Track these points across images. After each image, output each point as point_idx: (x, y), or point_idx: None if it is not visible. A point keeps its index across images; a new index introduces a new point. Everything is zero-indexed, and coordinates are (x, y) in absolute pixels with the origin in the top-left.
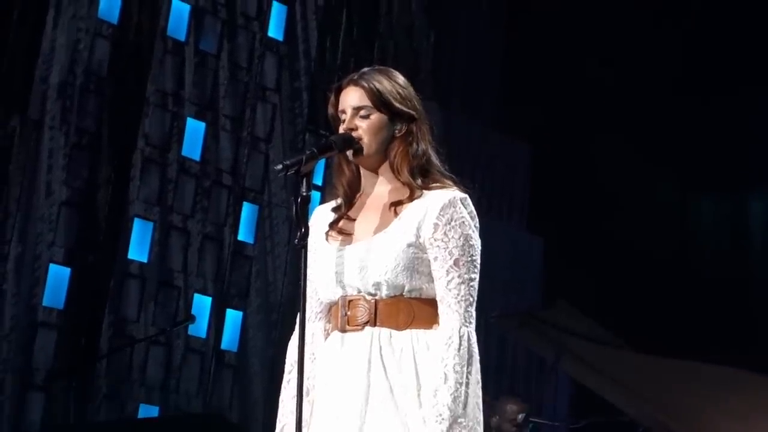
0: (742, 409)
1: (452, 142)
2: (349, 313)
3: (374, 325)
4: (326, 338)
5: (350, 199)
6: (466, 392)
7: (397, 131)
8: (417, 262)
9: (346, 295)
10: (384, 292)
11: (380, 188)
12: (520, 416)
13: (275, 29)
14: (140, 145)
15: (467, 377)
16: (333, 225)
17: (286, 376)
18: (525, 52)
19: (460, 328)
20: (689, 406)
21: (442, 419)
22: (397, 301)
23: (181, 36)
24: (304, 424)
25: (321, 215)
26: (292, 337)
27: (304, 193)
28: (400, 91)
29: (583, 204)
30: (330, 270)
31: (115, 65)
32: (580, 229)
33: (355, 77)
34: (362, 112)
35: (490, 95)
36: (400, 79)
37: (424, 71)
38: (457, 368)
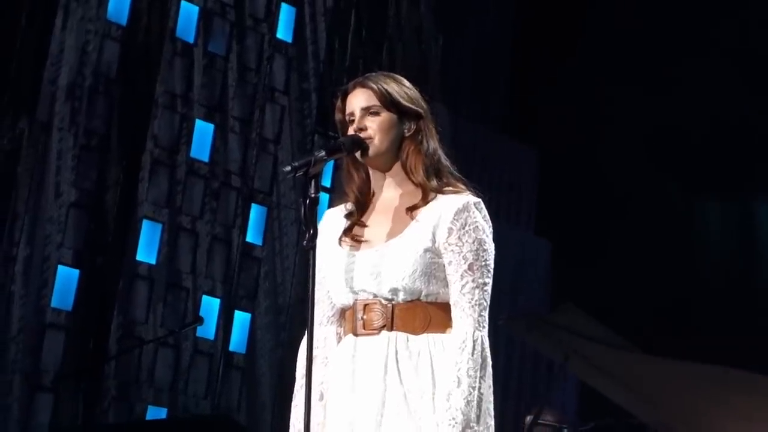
0: (750, 411)
1: (460, 144)
2: (364, 317)
3: (390, 329)
4: (339, 342)
5: (362, 205)
6: (479, 396)
7: (406, 130)
8: (434, 267)
9: (362, 300)
10: (401, 297)
11: (392, 191)
12: (528, 418)
13: (284, 31)
14: (149, 146)
15: (480, 381)
16: (347, 230)
17: (299, 381)
18: (532, 55)
19: (474, 332)
20: (696, 407)
21: (455, 423)
22: (413, 306)
23: (190, 38)
24: (318, 428)
25: (332, 219)
26: (303, 340)
27: (313, 195)
28: (407, 91)
29: (591, 207)
30: (345, 275)
31: (123, 67)
32: (588, 232)
33: (361, 80)
34: (371, 112)
35: (497, 98)
36: (406, 82)
37: (432, 73)
38: (471, 372)
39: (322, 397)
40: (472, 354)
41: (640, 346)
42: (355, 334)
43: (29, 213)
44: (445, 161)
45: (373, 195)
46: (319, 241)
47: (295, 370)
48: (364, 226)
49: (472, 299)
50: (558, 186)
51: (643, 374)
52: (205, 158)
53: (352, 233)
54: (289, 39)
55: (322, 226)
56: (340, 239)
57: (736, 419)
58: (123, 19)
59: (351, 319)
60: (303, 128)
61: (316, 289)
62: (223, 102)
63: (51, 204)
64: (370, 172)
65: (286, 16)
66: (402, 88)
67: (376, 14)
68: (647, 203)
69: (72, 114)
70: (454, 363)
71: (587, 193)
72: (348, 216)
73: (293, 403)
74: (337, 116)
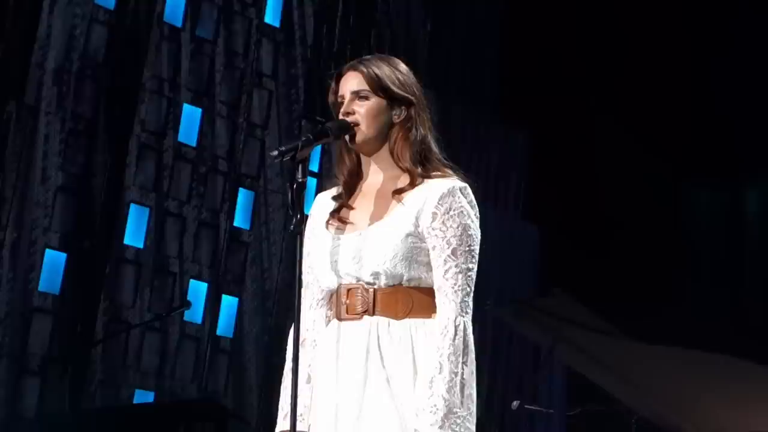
0: (738, 398)
1: (448, 129)
2: (347, 301)
3: (372, 314)
4: (328, 325)
5: (351, 188)
6: (462, 382)
7: (395, 117)
8: (416, 251)
9: (345, 284)
10: (383, 282)
11: (380, 176)
12: (515, 403)
13: (272, 16)
14: (136, 131)
15: (462, 367)
16: (333, 213)
17: (287, 364)
18: (522, 40)
19: (456, 317)
20: (685, 394)
21: (437, 409)
22: (395, 291)
23: (178, 22)
24: (305, 410)
25: (322, 203)
26: (294, 324)
27: (300, 180)
28: (399, 76)
29: (580, 192)
30: (328, 258)
31: (111, 51)
32: (577, 218)
33: (355, 63)
34: (360, 96)
35: (487, 83)
36: (401, 66)
37: (420, 59)
38: (452, 358)
39: (309, 380)
40: (454, 339)
41: (628, 332)
42: (339, 319)
43: (16, 197)
44: (435, 148)
45: (364, 179)
46: (309, 226)
47: (282, 355)
48: (350, 209)
49: (455, 284)
50: (547, 171)
51: (632, 360)
52: (193, 143)
53: (339, 216)
54: (276, 24)
55: (312, 211)
56: (326, 222)
57: (724, 406)
58: (110, 2)
59: (336, 303)
60: (290, 113)
61: (306, 272)
62: (211, 87)
63: (38, 188)
64: (361, 157)
65: (273, 0)
66: (395, 73)
67: None
68: (637, 188)
69: (59, 98)
70: (436, 349)
71: (577, 179)
72: (336, 198)
73: (282, 385)
74: (330, 98)
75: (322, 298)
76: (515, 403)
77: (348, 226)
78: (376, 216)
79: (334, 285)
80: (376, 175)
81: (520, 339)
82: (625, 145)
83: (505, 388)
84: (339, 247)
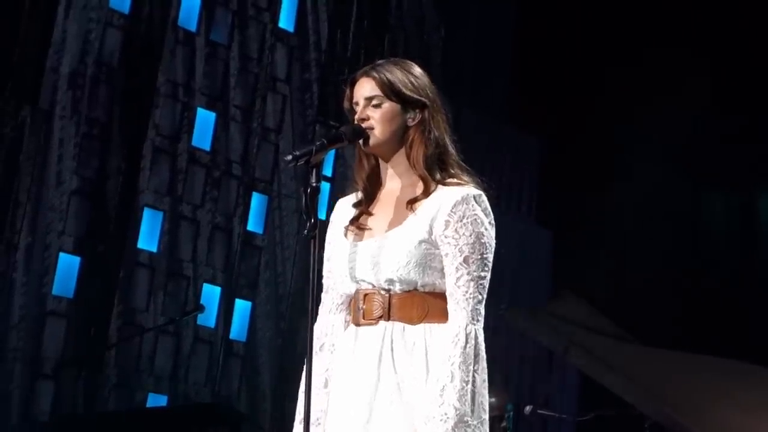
0: (749, 402)
1: (461, 134)
2: (364, 307)
3: (388, 319)
4: (346, 330)
5: (370, 193)
6: (473, 390)
7: (410, 120)
8: (429, 258)
9: (362, 290)
10: (397, 288)
11: (397, 182)
12: (528, 408)
13: (286, 20)
14: (151, 135)
15: (473, 375)
16: (353, 220)
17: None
18: (535, 46)
19: (467, 325)
20: (696, 398)
21: (447, 418)
22: (411, 296)
23: (192, 27)
24: (322, 414)
25: (342, 209)
26: (309, 328)
27: (314, 184)
28: (411, 80)
29: (592, 197)
30: (345, 264)
31: (126, 55)
32: (589, 223)
33: (368, 69)
34: (374, 102)
35: (500, 89)
36: (415, 69)
37: (434, 64)
38: (463, 366)
39: (326, 384)
40: (465, 348)
41: (640, 336)
42: (357, 324)
43: (31, 201)
44: (452, 150)
45: (381, 185)
46: (329, 231)
47: (295, 359)
48: (369, 216)
49: (466, 292)
50: (560, 176)
51: (643, 365)
52: (207, 147)
53: (358, 222)
54: (291, 29)
55: (332, 216)
56: (345, 228)
57: (735, 410)
58: (125, 7)
59: (354, 308)
60: (304, 118)
61: (326, 277)
62: (225, 91)
63: (53, 192)
64: (380, 162)
65: (288, 5)
66: (408, 77)
67: (378, 4)
68: (650, 195)
69: (74, 102)
70: (447, 357)
71: (589, 182)
72: (356, 205)
73: (300, 389)
74: (345, 104)
75: (341, 303)
76: (528, 408)
77: (366, 233)
78: (393, 224)
79: (351, 290)
80: (393, 181)
81: (533, 343)
82: (637, 148)
83: (518, 393)
84: (356, 253)
